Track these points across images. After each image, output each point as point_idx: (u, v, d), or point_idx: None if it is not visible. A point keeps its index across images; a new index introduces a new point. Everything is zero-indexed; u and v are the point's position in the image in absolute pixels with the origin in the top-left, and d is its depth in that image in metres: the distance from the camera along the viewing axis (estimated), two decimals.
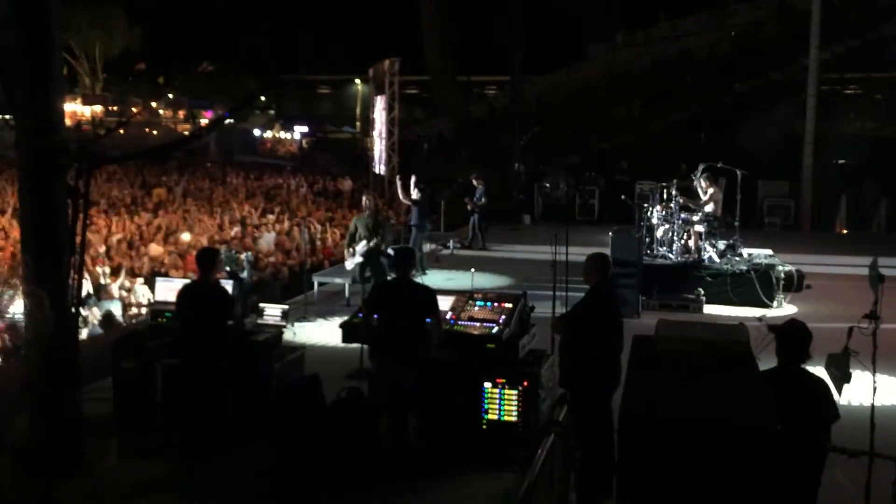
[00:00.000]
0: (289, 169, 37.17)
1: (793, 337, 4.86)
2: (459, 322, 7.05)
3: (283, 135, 65.50)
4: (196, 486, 6.41)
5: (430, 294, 6.59)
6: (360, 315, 7.68)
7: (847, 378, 5.10)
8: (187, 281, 7.68)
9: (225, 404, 6.92)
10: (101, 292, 12.04)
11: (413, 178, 15.70)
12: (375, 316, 6.65)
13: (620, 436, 3.86)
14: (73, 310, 6.14)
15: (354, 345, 8.29)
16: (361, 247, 12.12)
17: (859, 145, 26.51)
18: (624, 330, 6.39)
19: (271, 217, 19.81)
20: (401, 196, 16.30)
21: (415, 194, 15.53)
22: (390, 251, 14.67)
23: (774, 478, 3.51)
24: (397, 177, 17.17)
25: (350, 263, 12.33)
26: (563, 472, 5.93)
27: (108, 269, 12.73)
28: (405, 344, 6.42)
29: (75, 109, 54.04)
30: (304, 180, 29.97)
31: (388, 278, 8.61)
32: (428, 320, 6.49)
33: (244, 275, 10.68)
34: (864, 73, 33.33)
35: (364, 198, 13.41)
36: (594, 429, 6.15)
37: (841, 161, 25.75)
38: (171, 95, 60.79)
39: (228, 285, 7.70)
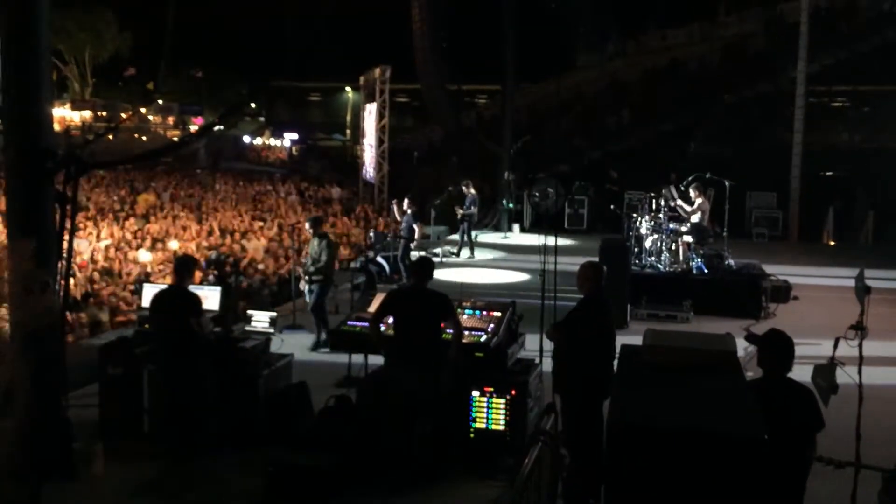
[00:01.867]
0: (278, 176, 37.16)
1: (774, 346, 4.89)
2: (447, 330, 7.03)
3: (272, 142, 65.42)
4: (183, 491, 6.38)
5: (444, 300, 6.59)
6: (351, 322, 7.69)
7: (834, 389, 5.13)
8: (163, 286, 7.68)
9: (207, 409, 6.90)
10: (88, 298, 12.00)
11: (406, 200, 16.45)
12: (387, 322, 6.65)
13: (608, 443, 3.86)
14: (60, 314, 6.11)
15: (342, 352, 8.27)
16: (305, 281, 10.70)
17: (847, 157, 26.64)
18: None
19: (260, 223, 19.78)
20: (396, 219, 16.64)
21: (406, 206, 16.20)
22: (379, 259, 14.75)
23: (761, 485, 3.52)
24: (393, 202, 17.37)
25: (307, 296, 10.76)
26: (551, 481, 5.94)
27: (95, 275, 12.69)
28: (426, 351, 6.41)
29: (64, 115, 53.89)
30: (294, 187, 29.98)
31: (401, 284, 8.53)
32: (448, 329, 6.50)
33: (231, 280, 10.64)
34: (852, 86, 33.52)
35: (307, 224, 11.05)
36: (585, 435, 6.16)
37: (829, 173, 25.89)
38: (160, 101, 60.69)
39: (216, 291, 7.70)
